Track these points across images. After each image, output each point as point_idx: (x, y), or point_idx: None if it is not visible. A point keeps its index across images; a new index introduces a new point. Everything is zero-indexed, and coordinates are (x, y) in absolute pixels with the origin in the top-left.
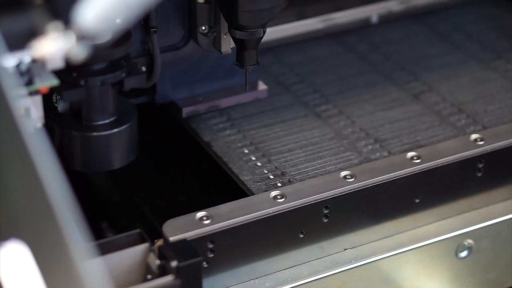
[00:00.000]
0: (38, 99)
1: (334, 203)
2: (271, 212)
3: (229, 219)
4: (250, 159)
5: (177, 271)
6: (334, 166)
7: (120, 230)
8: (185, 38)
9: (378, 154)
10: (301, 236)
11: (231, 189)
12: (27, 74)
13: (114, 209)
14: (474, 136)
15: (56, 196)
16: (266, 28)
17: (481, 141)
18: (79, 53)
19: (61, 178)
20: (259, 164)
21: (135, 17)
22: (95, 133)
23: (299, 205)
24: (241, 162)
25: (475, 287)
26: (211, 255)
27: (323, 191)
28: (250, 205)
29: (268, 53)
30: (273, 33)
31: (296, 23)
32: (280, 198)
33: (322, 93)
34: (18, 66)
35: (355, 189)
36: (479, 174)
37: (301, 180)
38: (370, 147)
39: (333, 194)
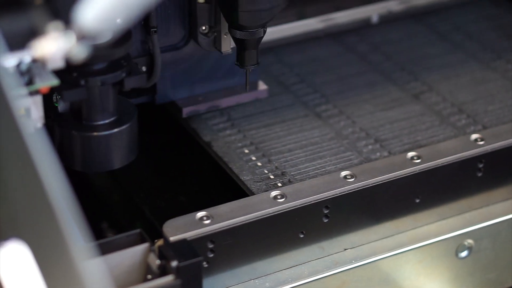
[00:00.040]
0: (39, 99)
1: (334, 203)
2: (271, 212)
3: (229, 219)
4: (250, 159)
5: (177, 271)
6: (334, 166)
7: (120, 230)
8: (185, 38)
9: (378, 154)
10: (301, 236)
11: (231, 189)
12: (28, 74)
13: (114, 209)
14: (474, 136)
15: (56, 196)
16: (266, 28)
17: (481, 141)
18: (80, 53)
19: (61, 178)
20: (259, 164)
21: (135, 17)
22: (95, 133)
23: (299, 205)
24: (241, 162)
25: (475, 287)
26: (211, 255)
27: (323, 191)
28: (250, 205)
29: (268, 53)
30: (273, 33)
31: (296, 23)
32: (280, 198)
33: (322, 93)
34: (18, 66)
35: (355, 189)
36: (479, 174)
37: (301, 180)
38: (370, 147)
39: (333, 194)
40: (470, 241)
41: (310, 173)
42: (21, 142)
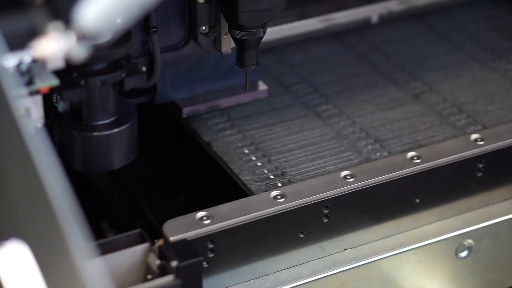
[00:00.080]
0: (39, 99)
1: (334, 203)
2: (271, 212)
3: (229, 219)
4: (250, 159)
5: (177, 271)
6: (334, 166)
7: (120, 230)
8: (185, 38)
9: (378, 154)
10: (301, 236)
11: (231, 189)
12: (28, 74)
13: (114, 209)
14: (474, 136)
15: (56, 196)
16: (266, 28)
17: (481, 141)
18: (80, 53)
19: (62, 178)
20: (259, 164)
21: (135, 17)
22: (95, 133)
23: (299, 205)
24: (241, 162)
25: (475, 287)
26: (211, 255)
27: (323, 191)
28: (250, 205)
29: (268, 53)
30: (273, 33)
31: (296, 23)
32: (280, 198)
33: (323, 93)
34: (18, 66)
35: (355, 189)
36: (479, 174)
37: (301, 180)
38: (370, 147)
39: (333, 194)
40: (470, 241)
41: (310, 173)
42: (21, 142)
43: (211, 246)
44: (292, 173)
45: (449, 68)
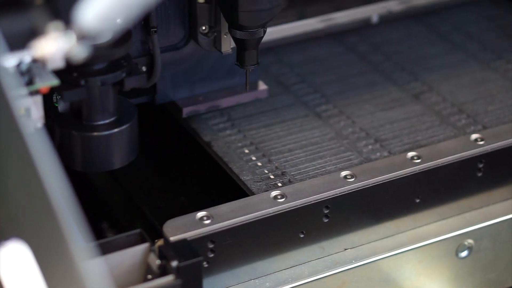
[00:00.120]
0: (39, 99)
1: (335, 203)
2: (271, 212)
3: (229, 219)
4: (251, 159)
5: (178, 271)
6: (335, 166)
7: (120, 230)
8: (185, 38)
9: (378, 154)
10: (302, 236)
11: (232, 189)
12: (28, 74)
13: (115, 209)
14: (474, 136)
15: (56, 196)
16: (266, 28)
17: (481, 141)
18: (80, 53)
19: (62, 178)
20: (259, 164)
21: (135, 17)
22: (95, 133)
23: (300, 205)
24: (242, 162)
25: (475, 287)
26: (212, 255)
27: (324, 191)
28: (250, 205)
29: (268, 53)
30: (273, 33)
31: (296, 23)
32: (281, 198)
33: (323, 93)
34: (18, 66)
35: (355, 189)
36: (480, 174)
37: (301, 180)
38: (370, 147)
39: (333, 194)
40: (470, 241)
41: (310, 173)
42: (21, 142)
43: (211, 246)
44: (292, 173)
45: (449, 68)
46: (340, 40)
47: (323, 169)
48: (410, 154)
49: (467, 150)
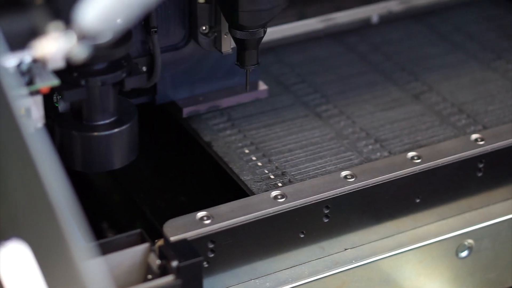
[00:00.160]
0: (39, 99)
1: (335, 203)
2: (271, 212)
3: (229, 219)
4: (251, 159)
5: (178, 271)
6: (335, 166)
7: (120, 230)
8: (185, 38)
9: (378, 154)
10: (302, 236)
11: (232, 189)
12: (28, 74)
13: (115, 209)
14: (474, 136)
15: (56, 196)
16: (266, 28)
17: (481, 141)
18: (80, 53)
19: (62, 178)
20: (259, 164)
21: (135, 17)
22: (95, 133)
23: (300, 205)
24: (242, 162)
25: (475, 287)
26: (212, 255)
27: (324, 191)
28: (250, 205)
29: (268, 53)
30: (273, 33)
31: (296, 23)
32: (281, 198)
33: (323, 93)
34: (19, 66)
35: (355, 189)
36: (480, 174)
37: (301, 180)
38: (370, 147)
39: (333, 194)
40: (470, 241)
41: (310, 173)
42: (21, 142)
43: (211, 246)
44: (292, 173)
45: (449, 68)
46: (340, 40)
47: (323, 169)
48: (410, 154)
49: (467, 150)
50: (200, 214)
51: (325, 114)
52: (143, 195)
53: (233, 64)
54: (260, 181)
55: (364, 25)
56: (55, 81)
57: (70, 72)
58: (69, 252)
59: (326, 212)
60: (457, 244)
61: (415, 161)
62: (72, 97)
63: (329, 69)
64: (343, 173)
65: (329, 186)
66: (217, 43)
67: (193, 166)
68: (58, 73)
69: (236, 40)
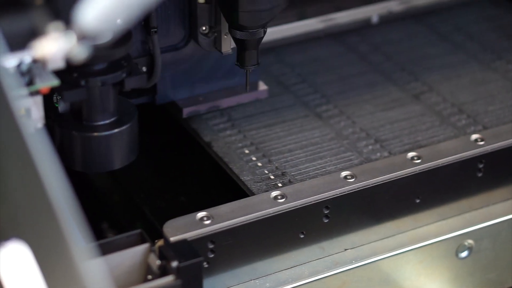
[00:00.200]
0: (39, 99)
1: (335, 203)
2: (271, 212)
3: (229, 220)
4: (251, 159)
5: (178, 272)
6: (335, 166)
7: (120, 231)
8: (185, 39)
9: (378, 154)
10: (302, 236)
11: (232, 189)
12: (28, 74)
13: (115, 209)
14: (474, 136)
15: (56, 196)
16: (266, 28)
17: (481, 141)
18: (80, 53)
19: (62, 178)
20: (259, 164)
21: (135, 17)
22: (95, 133)
23: (300, 205)
24: (242, 162)
25: (475, 287)
26: (212, 255)
27: (324, 191)
28: (250, 205)
29: (268, 53)
30: (273, 33)
31: (296, 23)
32: (281, 198)
33: (323, 93)
34: (18, 66)
35: (355, 189)
36: (480, 174)
37: (301, 180)
38: (370, 147)
39: (333, 194)
40: (470, 241)
41: (310, 173)
42: (21, 142)
43: (211, 246)
44: (292, 173)
45: (449, 68)
46: (341, 40)
47: (323, 169)
48: (410, 154)
49: (467, 151)
50: (200, 214)
51: (325, 114)
52: (143, 195)
53: (233, 64)
54: (260, 182)
55: (364, 25)
56: (55, 82)
57: (70, 73)
58: (69, 252)
59: (326, 212)
60: (457, 244)
61: (415, 162)
62: (72, 97)
63: (329, 69)
64: (343, 174)
65: (329, 186)
66: (217, 43)
67: (193, 166)
68: (58, 73)
69: (236, 40)
